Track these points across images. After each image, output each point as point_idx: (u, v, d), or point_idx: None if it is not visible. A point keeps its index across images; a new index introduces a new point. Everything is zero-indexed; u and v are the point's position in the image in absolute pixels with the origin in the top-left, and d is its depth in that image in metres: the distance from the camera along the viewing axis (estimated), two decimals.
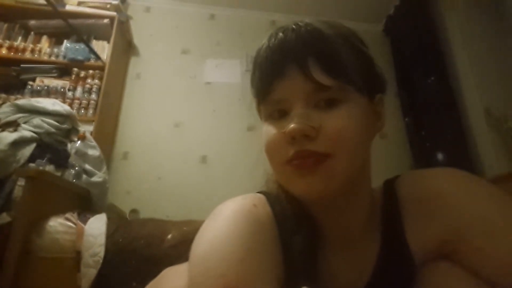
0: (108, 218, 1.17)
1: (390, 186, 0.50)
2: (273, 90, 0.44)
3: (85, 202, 1.44)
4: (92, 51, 2.04)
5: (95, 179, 1.49)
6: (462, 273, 0.40)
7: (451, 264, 0.42)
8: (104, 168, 1.62)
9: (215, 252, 0.38)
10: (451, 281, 0.40)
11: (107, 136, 2.15)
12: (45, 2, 1.85)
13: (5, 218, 1.16)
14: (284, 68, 0.43)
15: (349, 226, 0.47)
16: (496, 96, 1.94)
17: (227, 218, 0.42)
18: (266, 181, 0.52)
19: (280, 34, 0.45)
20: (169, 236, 1.11)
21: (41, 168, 1.26)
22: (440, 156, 2.15)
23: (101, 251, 1.00)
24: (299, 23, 0.45)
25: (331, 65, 0.42)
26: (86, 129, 1.72)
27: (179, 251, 1.06)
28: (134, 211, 1.85)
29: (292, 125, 0.40)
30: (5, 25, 2.14)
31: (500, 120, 1.89)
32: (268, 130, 0.45)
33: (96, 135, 1.84)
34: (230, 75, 2.55)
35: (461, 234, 0.42)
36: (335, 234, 0.48)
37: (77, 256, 1.01)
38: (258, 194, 0.48)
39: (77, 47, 2.10)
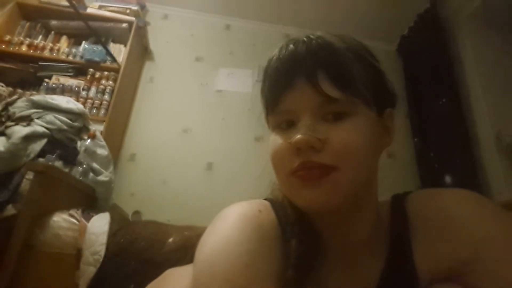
0: (111, 218, 1.17)
1: (399, 202, 0.49)
2: (281, 101, 0.44)
3: (89, 200, 1.45)
4: (109, 53, 2.08)
5: (101, 178, 1.51)
6: None
7: (455, 285, 0.41)
8: (111, 167, 1.64)
9: (221, 256, 0.38)
10: None
11: (116, 137, 2.17)
12: (67, 4, 1.92)
13: (10, 210, 1.18)
14: (293, 80, 0.43)
15: (352, 240, 0.47)
16: (508, 121, 1.92)
17: (232, 222, 0.42)
18: (272, 190, 0.52)
19: (291, 46, 0.45)
20: (170, 240, 1.11)
21: (50, 163, 1.28)
22: (448, 179, 2.12)
23: (102, 250, 1.00)
24: (310, 36, 0.45)
25: (340, 78, 0.42)
26: (97, 128, 1.75)
27: (179, 256, 1.05)
28: (136, 213, 1.86)
29: (298, 136, 0.40)
30: (27, 24, 2.22)
31: (511, 145, 1.86)
32: (275, 140, 0.45)
33: (106, 135, 1.87)
34: (241, 84, 2.58)
35: (474, 257, 0.40)
36: (337, 248, 0.47)
37: (78, 253, 1.02)
38: (263, 200, 0.48)
39: (94, 48, 2.16)
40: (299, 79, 0.43)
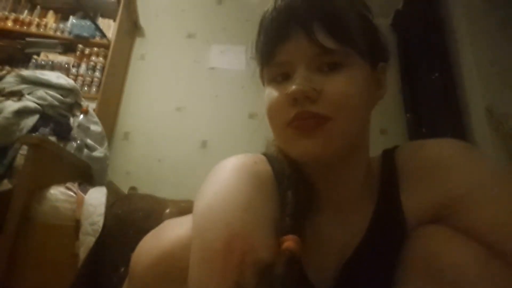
0: (108, 192, 1.18)
1: (388, 155, 0.51)
2: (277, 53, 0.44)
3: (85, 176, 1.45)
4: (98, 28, 2.03)
5: (96, 154, 1.50)
6: (449, 231, 0.42)
7: (436, 225, 0.43)
8: (106, 144, 1.63)
9: (220, 202, 0.40)
10: (437, 240, 0.41)
11: (109, 115, 2.15)
12: None
13: (6, 185, 1.18)
14: (289, 31, 0.43)
15: (345, 190, 0.49)
16: (499, 95, 1.94)
17: (229, 171, 0.43)
18: (266, 145, 0.53)
19: None
20: (167, 211, 1.13)
21: (44, 135, 1.27)
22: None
23: (100, 220, 1.01)
24: None
25: (335, 29, 0.42)
26: (89, 106, 1.73)
27: None
28: (133, 189, 1.87)
29: (294, 87, 0.41)
30: None
31: (501, 119, 1.89)
32: (271, 93, 0.46)
33: (99, 113, 1.84)
34: (234, 61, 2.54)
35: (459, 198, 0.43)
36: (330, 198, 0.49)
37: (76, 224, 1.03)
38: (259, 154, 0.50)
39: (82, 23, 2.10)
40: (295, 30, 0.43)
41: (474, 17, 2.16)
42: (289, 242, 0.38)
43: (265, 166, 0.46)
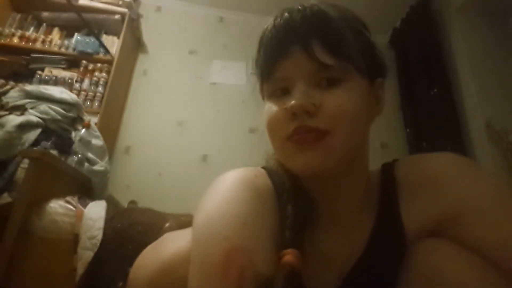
0: (108, 206, 1.18)
1: (388, 168, 0.51)
2: (276, 68, 0.45)
3: (85, 190, 1.45)
4: (102, 44, 2.07)
5: (96, 167, 1.51)
6: (451, 246, 0.41)
7: (438, 239, 0.43)
8: (106, 158, 1.64)
9: (219, 216, 0.39)
10: (439, 255, 0.41)
11: (110, 129, 2.17)
12: None
13: (6, 198, 1.18)
14: (288, 48, 0.44)
15: (344, 203, 0.49)
16: (498, 110, 1.96)
17: (230, 185, 0.43)
18: (266, 159, 0.53)
19: (286, 14, 0.46)
20: (167, 225, 1.12)
21: (46, 149, 1.28)
22: None
23: (99, 234, 1.01)
24: (305, 4, 0.47)
25: (334, 45, 0.43)
26: (91, 120, 1.74)
27: None
28: (133, 203, 1.86)
29: (293, 101, 0.42)
30: (18, 16, 2.19)
31: (501, 134, 1.90)
32: (270, 107, 0.46)
33: (100, 127, 1.85)
34: (235, 77, 2.58)
35: (458, 211, 0.42)
36: (330, 211, 0.49)
37: (75, 238, 1.02)
38: (259, 168, 0.50)
39: (87, 40, 2.14)
40: (294, 46, 0.44)
41: (471, 33, 2.20)
42: (289, 256, 0.38)
43: (265, 180, 0.46)
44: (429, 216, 0.45)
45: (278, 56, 0.45)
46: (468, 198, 0.43)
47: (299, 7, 0.46)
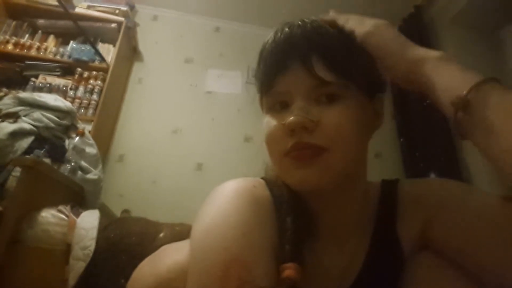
0: (101, 215, 1.16)
1: (391, 186, 0.52)
2: (276, 83, 0.45)
3: (78, 198, 1.42)
4: (97, 52, 2.07)
5: (90, 176, 1.49)
6: (442, 264, 0.42)
7: (432, 255, 0.44)
8: (100, 166, 1.62)
9: (218, 226, 0.39)
10: (433, 272, 0.42)
11: (104, 137, 2.15)
12: (55, 3, 1.90)
13: None
14: (287, 63, 0.44)
15: (342, 216, 0.49)
16: None
17: (228, 195, 0.43)
18: (265, 169, 0.53)
19: (286, 29, 0.47)
20: (161, 235, 1.10)
21: (38, 158, 1.26)
22: (432, 177, 2.18)
23: (92, 244, 0.99)
24: (305, 20, 0.47)
25: (333, 62, 0.43)
26: (85, 128, 1.73)
27: None
28: (126, 212, 1.83)
29: (291, 118, 0.42)
30: (14, 23, 2.18)
31: None
32: (269, 121, 0.46)
33: (94, 135, 1.84)
34: (230, 85, 2.59)
35: (435, 213, 0.45)
36: (328, 224, 0.49)
37: (67, 248, 1.00)
38: (258, 178, 0.50)
39: (82, 48, 2.14)
40: (294, 62, 0.44)
41: (461, 45, 2.26)
42: (290, 270, 0.37)
43: (264, 191, 0.46)
44: (416, 228, 0.47)
45: (278, 71, 0.45)
46: (441, 200, 0.45)
47: (299, 22, 0.47)
